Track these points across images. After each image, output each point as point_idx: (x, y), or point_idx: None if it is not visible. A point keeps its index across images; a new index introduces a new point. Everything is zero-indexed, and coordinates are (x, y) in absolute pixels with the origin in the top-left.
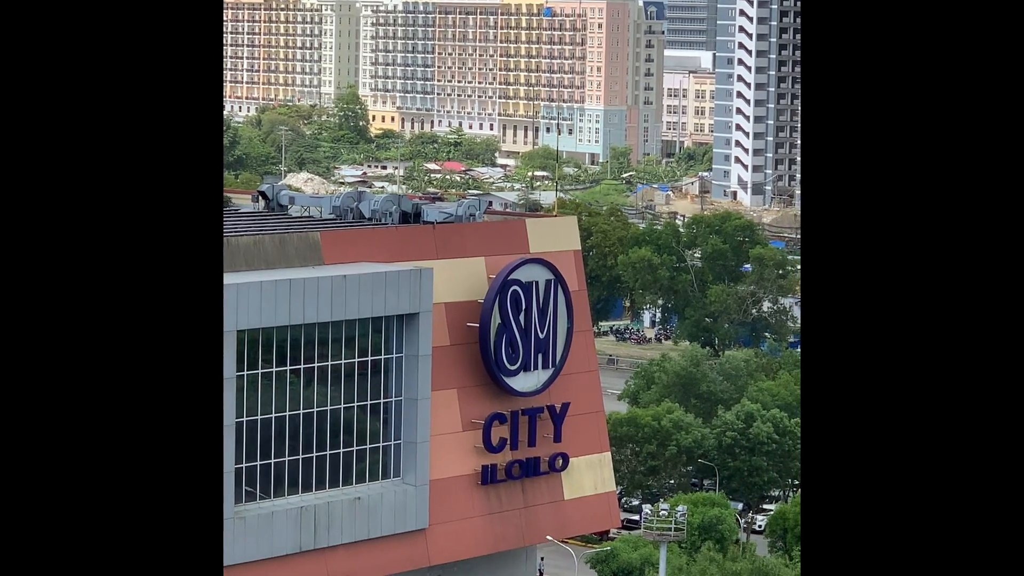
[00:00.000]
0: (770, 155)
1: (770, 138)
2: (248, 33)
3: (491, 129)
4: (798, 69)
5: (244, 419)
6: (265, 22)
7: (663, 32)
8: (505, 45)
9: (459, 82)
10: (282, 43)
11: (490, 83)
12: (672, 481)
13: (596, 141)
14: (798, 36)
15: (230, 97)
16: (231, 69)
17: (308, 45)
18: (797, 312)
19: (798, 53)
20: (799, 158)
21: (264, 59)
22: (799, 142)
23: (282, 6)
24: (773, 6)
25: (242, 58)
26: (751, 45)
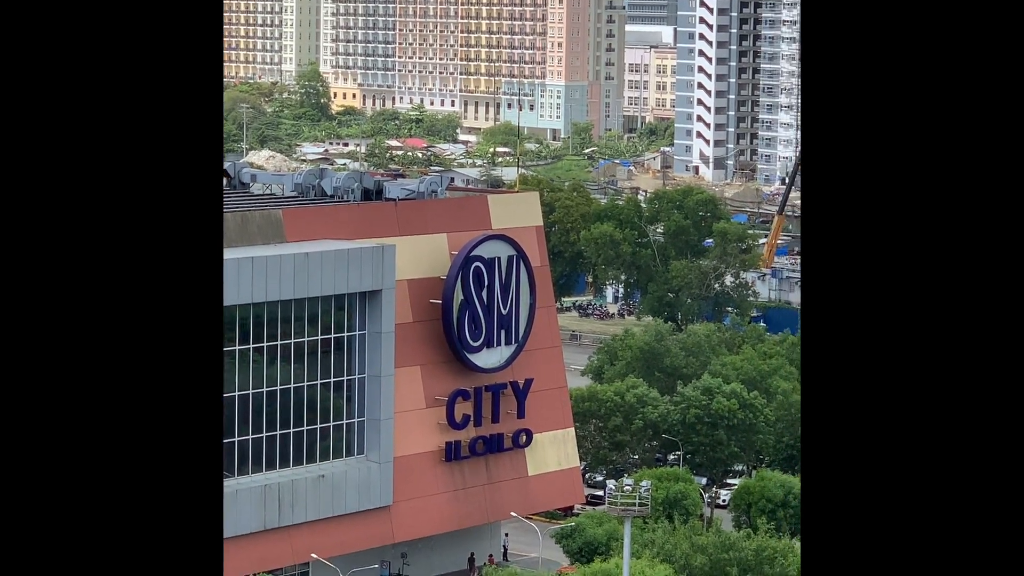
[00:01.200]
0: (731, 130)
1: (731, 112)
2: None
3: (452, 105)
4: (759, 43)
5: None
6: (226, 0)
7: (624, 7)
8: (466, 21)
9: (420, 58)
10: (243, 20)
11: (451, 59)
12: (636, 456)
13: (558, 117)
14: (759, 10)
15: None
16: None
17: (268, 23)
18: (759, 287)
19: (759, 27)
20: (760, 132)
21: (225, 37)
22: (761, 116)
23: None
24: None
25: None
26: (712, 20)
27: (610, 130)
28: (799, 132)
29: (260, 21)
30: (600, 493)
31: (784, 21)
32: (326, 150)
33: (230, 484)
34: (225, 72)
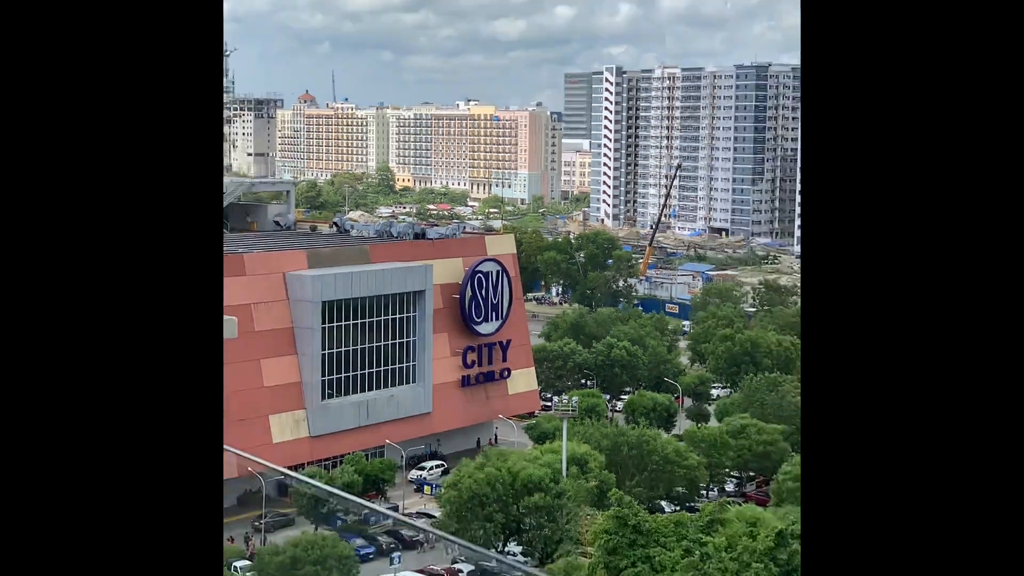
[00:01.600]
0: (621, 197)
1: (621, 188)
2: (326, 134)
3: (464, 185)
4: (637, 148)
5: (331, 351)
6: (336, 127)
7: (561, 128)
8: (472, 136)
9: (446, 159)
10: (344, 137)
11: (464, 159)
12: (569, 383)
13: (524, 191)
14: (639, 130)
15: (315, 168)
16: (315, 156)
17: (360, 138)
18: (638, 287)
19: (638, 138)
20: (638, 199)
21: (336, 147)
22: (638, 190)
23: (344, 118)
24: (623, 113)
25: (323, 146)
26: (611, 135)
27: (554, 199)
28: (662, 199)
29: (355, 137)
30: (549, 404)
31: (652, 136)
32: (393, 211)
33: (341, 400)
34: (336, 167)
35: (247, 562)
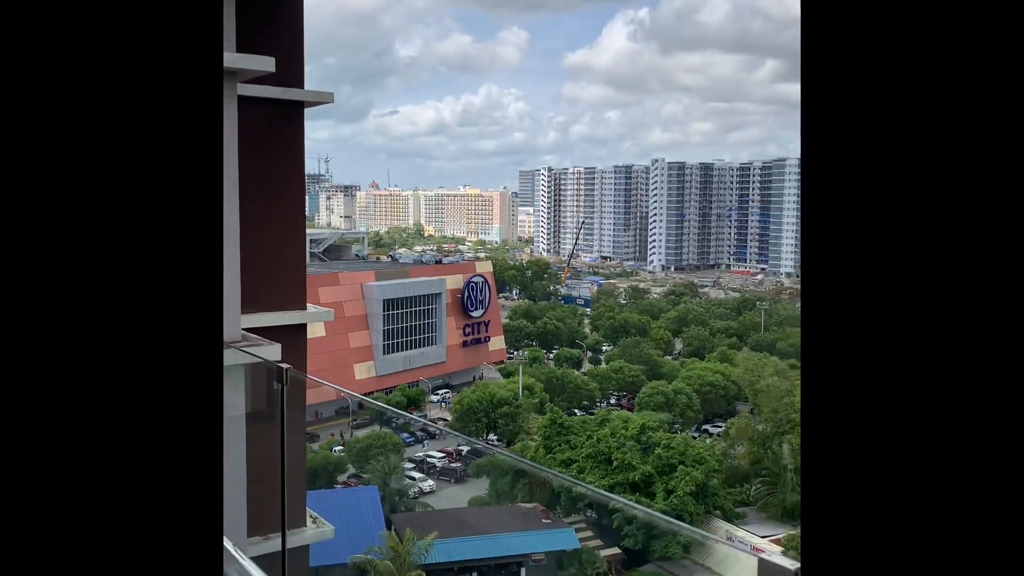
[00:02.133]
0: (551, 240)
1: (551, 235)
2: (384, 205)
3: (463, 234)
4: (561, 211)
5: (388, 327)
6: (390, 201)
7: (517, 201)
8: (467, 206)
9: (453, 218)
10: (394, 206)
11: (462, 219)
12: (522, 344)
13: (497, 236)
14: (561, 202)
15: (378, 224)
16: (378, 217)
17: (403, 207)
18: (561, 290)
19: (560, 207)
20: (563, 242)
21: (390, 212)
22: (564, 236)
23: (394, 195)
24: (552, 192)
25: (382, 211)
26: (545, 205)
27: (513, 241)
28: (574, 240)
29: (399, 206)
30: (512, 356)
31: (568, 206)
32: (423, 248)
33: (393, 355)
34: (388, 223)
35: (341, 447)
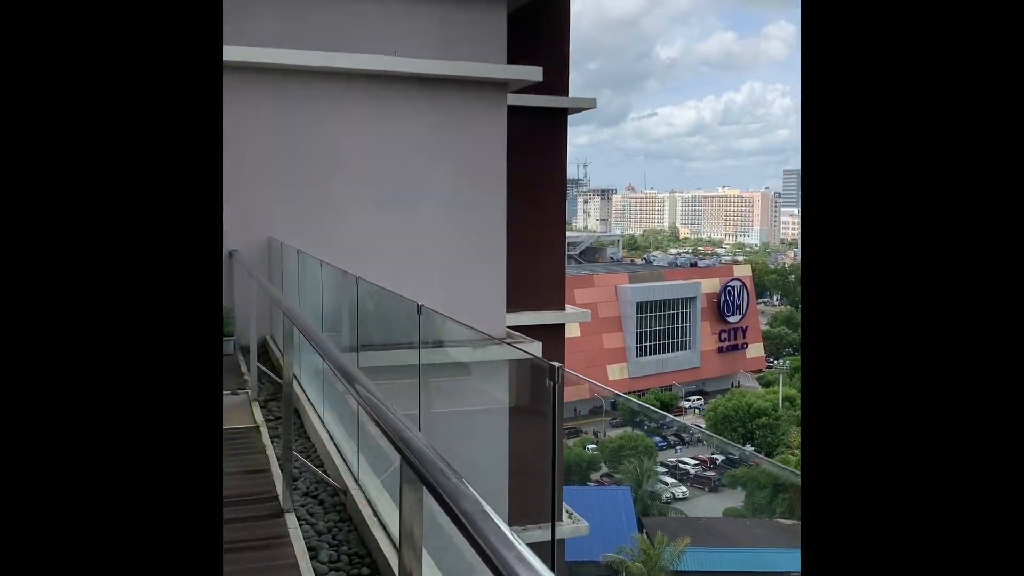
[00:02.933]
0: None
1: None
2: (640, 207)
3: (720, 236)
4: None
5: (641, 330)
6: (646, 203)
7: (780, 202)
8: (726, 206)
9: (710, 220)
10: (650, 209)
11: (719, 220)
12: (783, 353)
13: (757, 239)
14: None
15: (633, 227)
16: (633, 220)
17: (659, 209)
18: None
19: None
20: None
21: (645, 214)
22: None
23: (650, 198)
24: None
25: (638, 214)
26: None
27: (775, 244)
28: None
29: (655, 208)
30: (772, 365)
31: None
32: (678, 251)
33: (647, 358)
34: (643, 225)
35: (594, 446)
